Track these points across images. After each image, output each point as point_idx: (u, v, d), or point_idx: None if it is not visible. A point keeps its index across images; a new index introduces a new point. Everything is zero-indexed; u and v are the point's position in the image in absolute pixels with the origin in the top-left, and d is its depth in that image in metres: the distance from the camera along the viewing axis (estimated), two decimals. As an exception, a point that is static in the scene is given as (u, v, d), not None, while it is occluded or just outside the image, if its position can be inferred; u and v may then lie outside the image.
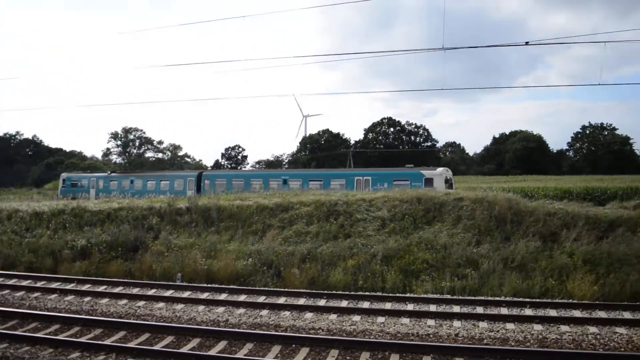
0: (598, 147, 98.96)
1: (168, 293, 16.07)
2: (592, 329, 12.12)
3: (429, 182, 32.77)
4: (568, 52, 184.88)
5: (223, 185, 38.61)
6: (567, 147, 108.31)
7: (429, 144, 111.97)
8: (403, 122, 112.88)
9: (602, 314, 13.43)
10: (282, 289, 16.36)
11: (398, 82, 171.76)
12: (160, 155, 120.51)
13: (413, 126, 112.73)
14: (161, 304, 14.73)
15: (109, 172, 51.71)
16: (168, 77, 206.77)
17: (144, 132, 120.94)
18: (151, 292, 16.26)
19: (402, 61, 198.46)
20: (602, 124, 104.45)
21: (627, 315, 13.37)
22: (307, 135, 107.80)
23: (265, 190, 32.71)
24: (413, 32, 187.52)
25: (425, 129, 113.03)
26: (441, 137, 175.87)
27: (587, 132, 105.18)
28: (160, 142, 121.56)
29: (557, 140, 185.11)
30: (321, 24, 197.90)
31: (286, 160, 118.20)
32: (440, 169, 35.06)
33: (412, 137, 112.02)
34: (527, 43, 16.61)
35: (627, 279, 15.70)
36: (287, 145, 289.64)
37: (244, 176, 42.48)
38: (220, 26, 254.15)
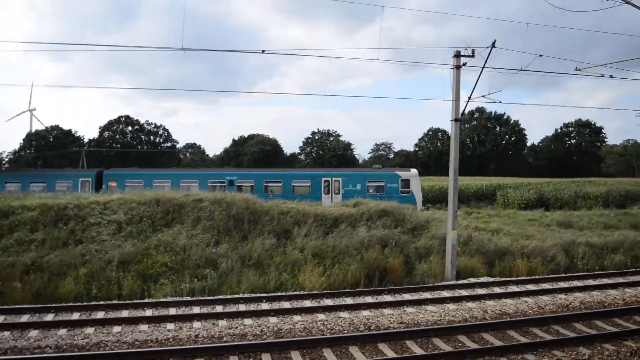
0: (325, 151, 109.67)
1: None
2: (321, 316, 13.30)
3: (406, 183, 31.92)
4: (301, 63, 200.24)
5: (139, 188, 28.01)
6: (299, 151, 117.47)
7: (169, 144, 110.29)
8: (142, 121, 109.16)
9: (328, 302, 14.87)
10: (0, 307, 14.36)
11: (137, 79, 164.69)
12: None
13: (152, 126, 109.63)
14: None
15: None
16: None
17: None
18: None
19: (142, 58, 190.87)
20: (328, 130, 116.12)
21: (349, 300, 15.07)
22: (33, 131, 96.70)
23: None
24: (154, 28, 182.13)
25: (165, 129, 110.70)
26: (181, 138, 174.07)
27: (316, 137, 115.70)
28: None
29: (290, 144, 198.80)
30: (49, 9, 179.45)
31: (7, 159, 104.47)
32: (414, 170, 34.42)
33: (152, 137, 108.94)
34: (263, 51, 17.41)
35: (348, 269, 17.76)
36: (6, 143, 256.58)
37: (170, 176, 33.71)
38: None
